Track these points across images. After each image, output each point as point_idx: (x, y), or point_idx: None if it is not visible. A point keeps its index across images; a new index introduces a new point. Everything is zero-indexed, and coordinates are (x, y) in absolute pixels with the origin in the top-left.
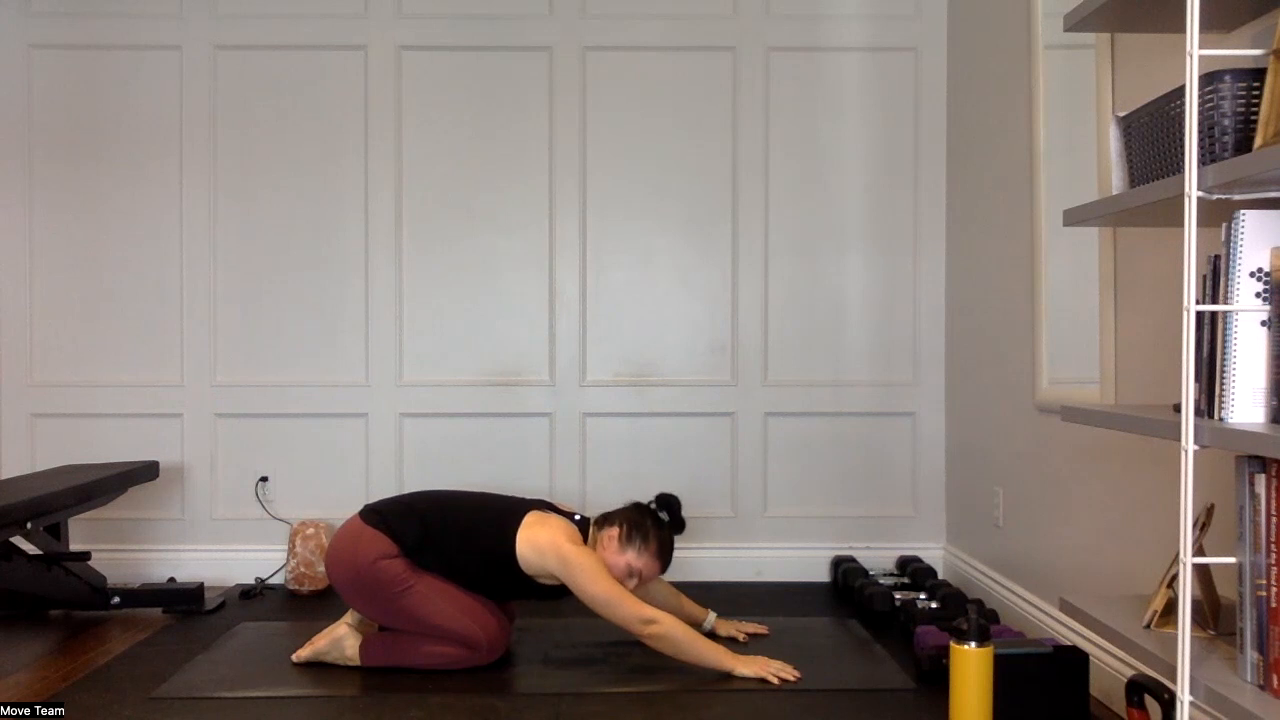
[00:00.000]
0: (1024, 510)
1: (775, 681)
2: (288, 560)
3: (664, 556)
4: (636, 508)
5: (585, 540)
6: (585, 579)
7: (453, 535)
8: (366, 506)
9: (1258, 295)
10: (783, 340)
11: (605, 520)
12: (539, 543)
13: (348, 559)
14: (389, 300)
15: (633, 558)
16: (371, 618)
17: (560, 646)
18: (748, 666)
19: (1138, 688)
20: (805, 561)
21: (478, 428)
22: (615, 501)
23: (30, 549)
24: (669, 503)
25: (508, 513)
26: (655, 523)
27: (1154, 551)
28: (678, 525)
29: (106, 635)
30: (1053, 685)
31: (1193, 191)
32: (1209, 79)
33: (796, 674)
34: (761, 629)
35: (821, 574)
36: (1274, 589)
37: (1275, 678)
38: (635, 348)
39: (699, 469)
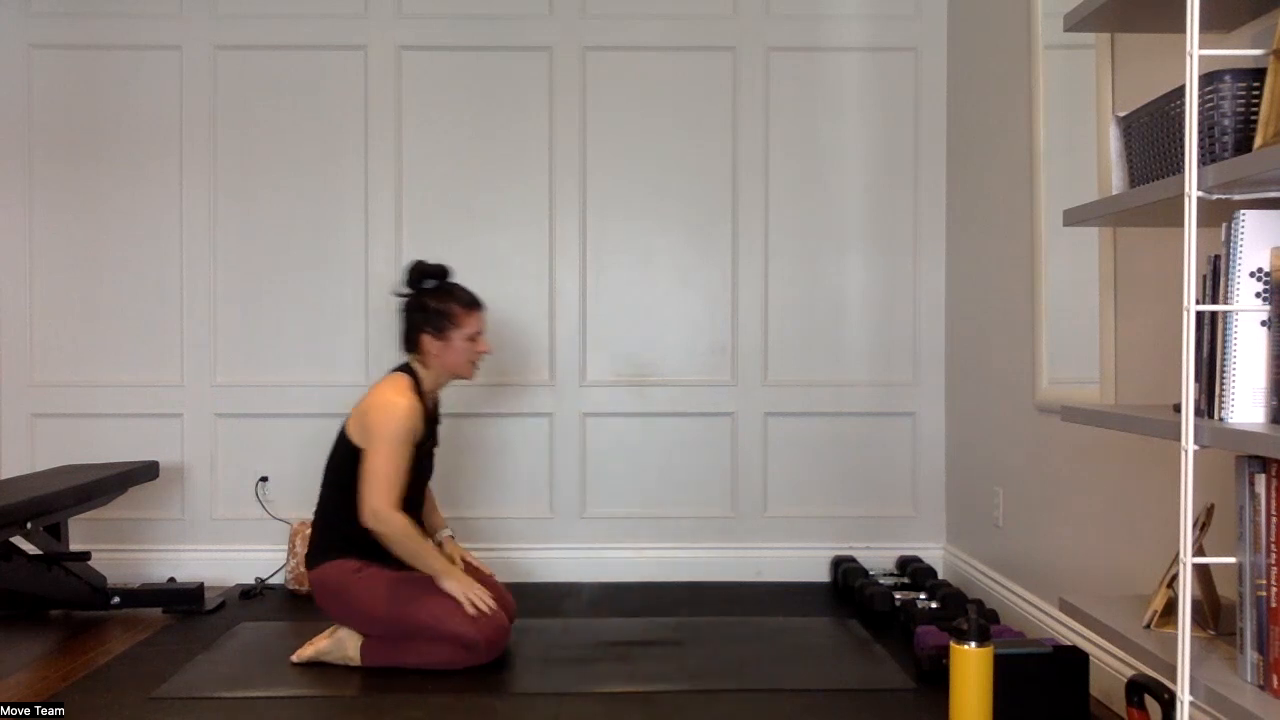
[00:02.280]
0: (1024, 510)
1: (470, 608)
2: (288, 560)
3: (466, 303)
4: (406, 311)
5: (417, 380)
6: (378, 443)
7: (341, 495)
8: (306, 557)
9: (1258, 295)
10: (783, 340)
11: (408, 344)
12: (359, 411)
13: (331, 599)
14: (389, 300)
15: (456, 336)
16: (379, 633)
17: (560, 646)
18: (454, 584)
19: (1138, 688)
20: (805, 561)
21: (478, 428)
22: (615, 502)
23: (30, 549)
24: (421, 271)
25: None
26: (432, 296)
27: (1154, 551)
28: (443, 274)
29: (106, 635)
30: (1053, 685)
31: (1193, 191)
32: (1209, 79)
33: (492, 605)
34: (486, 569)
35: (821, 574)
36: (1274, 589)
37: (1275, 678)
38: (635, 348)
39: (699, 469)
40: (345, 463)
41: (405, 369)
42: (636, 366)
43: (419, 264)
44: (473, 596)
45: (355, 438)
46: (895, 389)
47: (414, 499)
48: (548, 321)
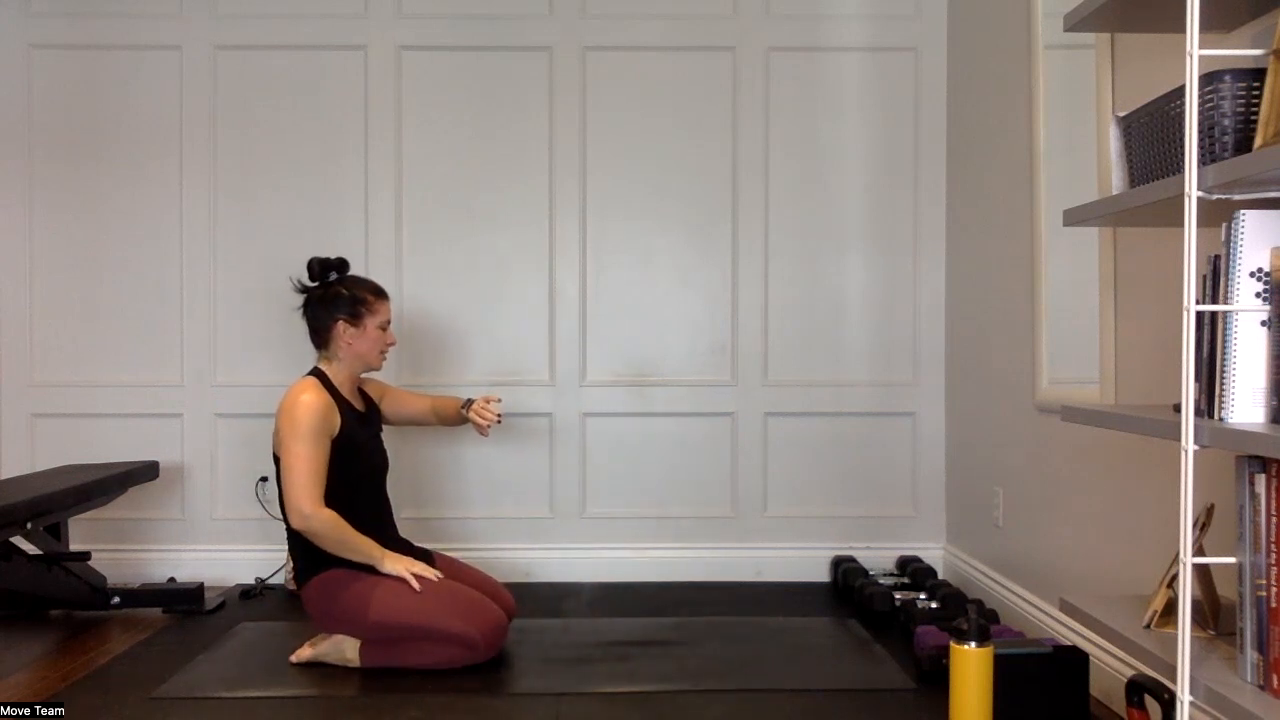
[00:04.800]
0: (1024, 510)
1: (416, 585)
2: (288, 560)
3: (376, 291)
4: (315, 304)
5: (330, 377)
6: (288, 443)
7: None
8: (294, 580)
9: (1258, 295)
10: (783, 340)
11: (317, 337)
12: (275, 430)
13: (324, 613)
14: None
15: (370, 323)
16: (377, 638)
17: (560, 646)
18: (394, 565)
19: (1138, 688)
20: (805, 561)
21: None
22: (615, 502)
23: (30, 549)
24: (324, 265)
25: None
26: (342, 285)
27: (1154, 551)
28: (345, 266)
29: (106, 635)
30: (1053, 685)
31: (1193, 191)
32: (1209, 79)
33: (436, 573)
34: (494, 408)
35: (821, 574)
36: (1274, 589)
37: (1275, 678)
38: (635, 348)
39: (699, 469)
40: (278, 474)
41: (312, 372)
42: (636, 366)
43: (319, 259)
44: (416, 571)
45: (278, 451)
46: (895, 389)
47: (374, 496)
48: (548, 321)
